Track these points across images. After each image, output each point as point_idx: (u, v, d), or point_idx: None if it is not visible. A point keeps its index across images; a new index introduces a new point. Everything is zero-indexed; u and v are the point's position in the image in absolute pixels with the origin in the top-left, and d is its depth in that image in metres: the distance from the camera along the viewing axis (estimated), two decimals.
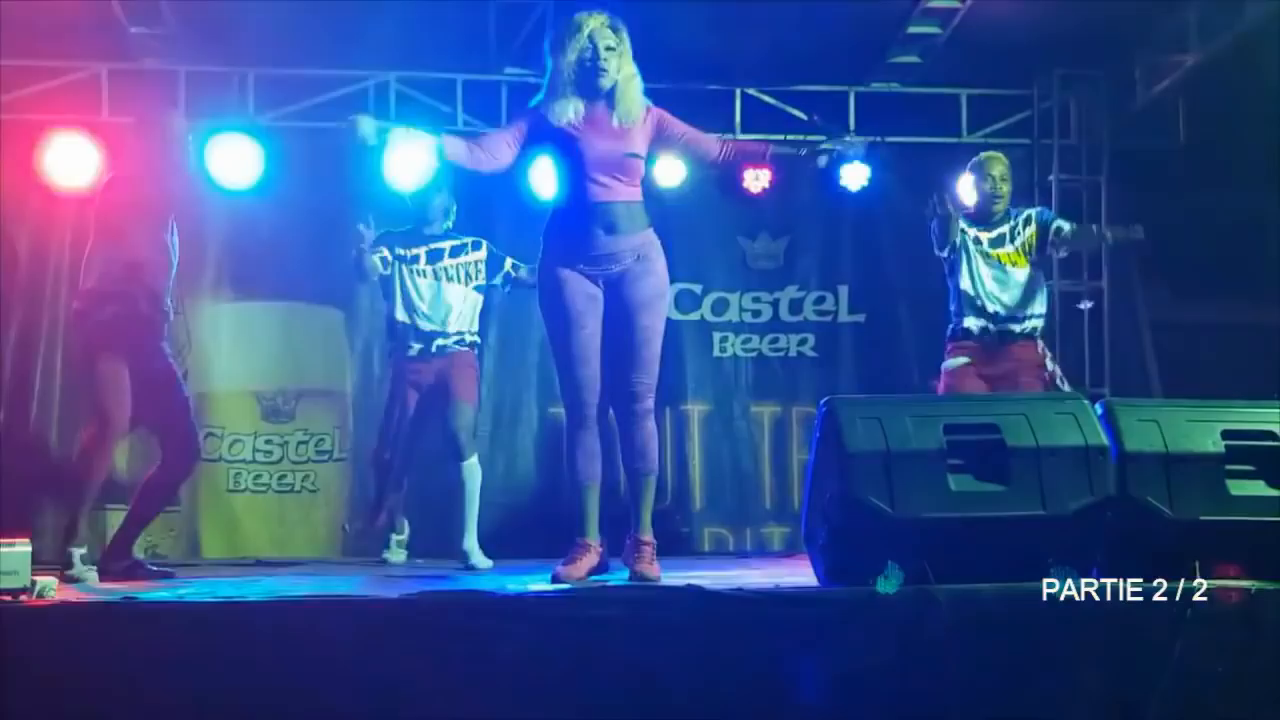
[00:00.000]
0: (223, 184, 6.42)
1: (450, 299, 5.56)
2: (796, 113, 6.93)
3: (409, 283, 5.54)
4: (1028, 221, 5.44)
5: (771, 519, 6.89)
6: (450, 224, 5.72)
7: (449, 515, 5.78)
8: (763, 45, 6.43)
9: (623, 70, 4.02)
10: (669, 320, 6.66)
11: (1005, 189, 5.44)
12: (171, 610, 2.75)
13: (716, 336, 6.99)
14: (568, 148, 4.02)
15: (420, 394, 5.59)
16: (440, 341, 5.53)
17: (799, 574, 3.91)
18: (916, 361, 6.88)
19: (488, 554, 5.41)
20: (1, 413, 6.35)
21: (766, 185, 6.79)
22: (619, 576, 4.06)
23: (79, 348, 4.80)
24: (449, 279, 5.56)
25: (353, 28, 6.19)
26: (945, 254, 5.42)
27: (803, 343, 7.01)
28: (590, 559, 4.00)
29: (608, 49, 3.99)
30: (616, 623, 2.83)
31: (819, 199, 6.98)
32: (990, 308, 5.37)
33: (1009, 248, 5.38)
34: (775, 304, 7.02)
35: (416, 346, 5.54)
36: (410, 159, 6.53)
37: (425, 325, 5.53)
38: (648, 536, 4.02)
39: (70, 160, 6.26)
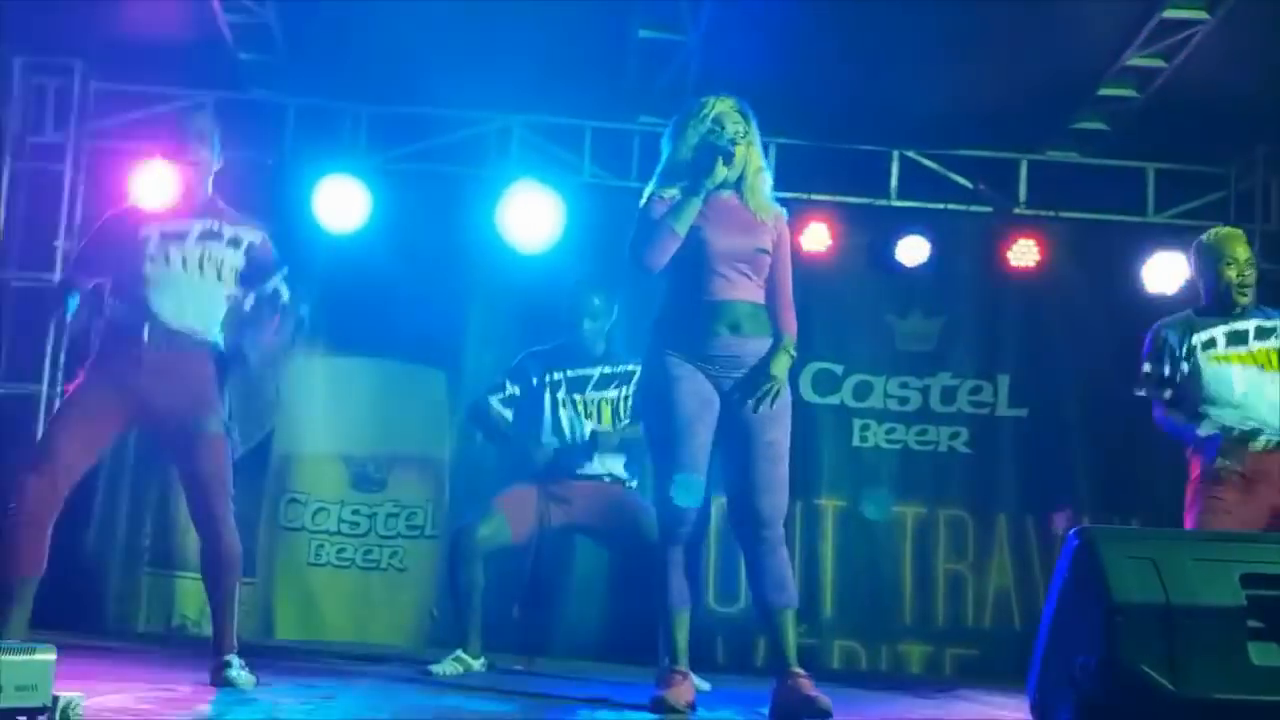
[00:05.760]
0: (325, 227, 5.92)
1: (594, 437, 4.79)
2: (960, 179, 6.24)
3: (549, 410, 4.84)
4: None
5: (911, 635, 6.07)
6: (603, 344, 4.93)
7: None
8: (929, 105, 5.76)
9: (751, 162, 3.69)
10: (806, 402, 6.15)
11: (1254, 276, 4.28)
12: None
13: (857, 424, 6.23)
14: (690, 237, 3.60)
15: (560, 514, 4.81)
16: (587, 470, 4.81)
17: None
18: (1085, 470, 6.09)
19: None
20: None
21: (924, 258, 6.07)
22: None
23: None
24: (587, 415, 4.83)
25: (477, 66, 5.64)
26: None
27: (955, 437, 6.23)
28: (689, 687, 3.66)
29: (737, 134, 3.63)
30: None
31: (982, 276, 6.26)
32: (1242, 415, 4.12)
33: (1255, 345, 4.20)
34: (925, 391, 6.25)
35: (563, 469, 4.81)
36: (530, 208, 5.96)
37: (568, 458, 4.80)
38: (799, 669, 3.65)
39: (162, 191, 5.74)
